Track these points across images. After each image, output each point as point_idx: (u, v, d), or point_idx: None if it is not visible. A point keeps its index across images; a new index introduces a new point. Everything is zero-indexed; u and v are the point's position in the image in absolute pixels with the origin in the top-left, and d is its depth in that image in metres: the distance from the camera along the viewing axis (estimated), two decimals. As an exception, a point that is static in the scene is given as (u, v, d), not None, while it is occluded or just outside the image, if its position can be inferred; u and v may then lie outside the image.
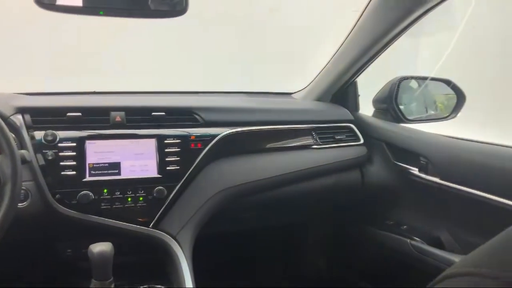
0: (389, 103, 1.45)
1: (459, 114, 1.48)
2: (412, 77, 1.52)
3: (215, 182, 1.21)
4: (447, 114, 1.50)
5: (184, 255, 1.09)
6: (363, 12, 1.26)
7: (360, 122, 1.49)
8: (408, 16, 1.12)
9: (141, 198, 1.10)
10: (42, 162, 1.03)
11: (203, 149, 1.19)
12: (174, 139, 1.16)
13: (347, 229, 1.58)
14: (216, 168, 1.22)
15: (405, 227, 1.34)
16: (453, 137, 1.27)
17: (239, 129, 1.27)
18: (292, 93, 1.69)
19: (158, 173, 1.12)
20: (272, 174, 1.30)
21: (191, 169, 1.16)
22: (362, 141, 1.46)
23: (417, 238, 1.27)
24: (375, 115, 1.55)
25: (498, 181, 1.05)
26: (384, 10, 1.17)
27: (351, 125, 1.47)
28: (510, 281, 0.29)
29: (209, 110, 1.26)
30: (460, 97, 1.47)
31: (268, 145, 1.33)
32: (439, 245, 1.22)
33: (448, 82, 1.48)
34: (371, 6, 1.21)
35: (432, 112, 1.62)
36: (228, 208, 1.26)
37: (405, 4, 1.08)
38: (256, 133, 1.31)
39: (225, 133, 1.24)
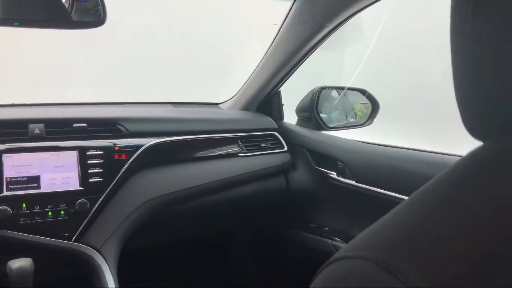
0: (311, 111, 1.53)
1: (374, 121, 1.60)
2: (331, 87, 1.61)
3: (140, 193, 1.21)
4: (364, 121, 1.61)
5: (109, 268, 1.08)
6: (281, 26, 1.33)
7: (284, 130, 1.56)
8: (321, 30, 1.20)
9: (62, 212, 1.08)
10: None
11: (128, 160, 1.19)
12: (96, 151, 1.15)
13: (274, 234, 1.63)
14: (141, 178, 1.23)
15: (326, 228, 1.41)
16: (366, 142, 1.37)
17: (165, 139, 1.28)
18: (219, 103, 1.73)
19: (80, 185, 1.11)
20: (199, 182, 1.33)
21: (115, 181, 1.15)
22: (286, 148, 1.52)
23: (337, 238, 1.35)
24: (298, 123, 1.63)
25: (402, 180, 1.16)
26: (298, 24, 1.25)
27: (275, 133, 1.53)
28: (375, 261, 0.32)
29: (133, 120, 1.26)
30: (375, 106, 1.58)
31: (195, 154, 1.35)
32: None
33: (363, 92, 1.59)
34: (288, 20, 1.28)
35: (352, 120, 1.73)
36: (155, 218, 1.26)
37: (317, 19, 1.16)
38: (182, 142, 1.33)
39: (150, 143, 1.25)
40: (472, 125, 0.43)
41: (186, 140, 1.33)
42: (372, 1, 1.07)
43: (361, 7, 1.11)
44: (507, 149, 0.37)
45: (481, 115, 0.41)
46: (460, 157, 0.39)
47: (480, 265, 0.30)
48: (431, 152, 1.19)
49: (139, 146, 1.22)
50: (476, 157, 0.38)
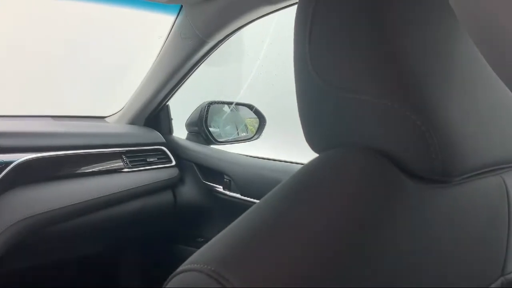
0: (200, 126, 1.54)
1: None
2: (219, 102, 1.64)
3: (10, 213, 1.11)
4: (252, 136, 1.66)
5: None
6: (165, 40, 1.32)
7: (172, 144, 1.55)
8: (203, 46, 1.22)
9: None
10: None
11: (-5, 177, 1.09)
12: (-43, 168, 1.04)
13: (162, 251, 1.60)
14: (12, 197, 1.13)
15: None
16: (251, 156, 1.41)
17: (40, 154, 1.20)
18: (106, 117, 1.67)
19: None
20: (79, 200, 1.26)
21: (-21, 201, 1.05)
22: (174, 162, 1.51)
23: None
24: (188, 137, 1.63)
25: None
26: (181, 40, 1.25)
27: (163, 147, 1.51)
28: (208, 272, 0.34)
29: (2, 134, 1.16)
30: (262, 120, 1.63)
31: (76, 171, 1.28)
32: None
33: (250, 107, 1.64)
34: (171, 35, 1.28)
35: (244, 134, 1.77)
36: (30, 240, 1.17)
37: (198, 35, 1.18)
38: (60, 158, 1.25)
39: (22, 159, 1.16)
40: (311, 140, 0.48)
41: (65, 155, 1.26)
42: (250, 20, 1.12)
43: (241, 25, 1.15)
44: (335, 159, 0.41)
45: (317, 132, 0.46)
46: (297, 164, 0.44)
47: (318, 266, 0.33)
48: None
49: (8, 163, 1.12)
50: (313, 165, 0.42)
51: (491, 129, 0.46)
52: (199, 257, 0.36)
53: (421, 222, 0.39)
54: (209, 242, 0.38)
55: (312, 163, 0.43)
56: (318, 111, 0.45)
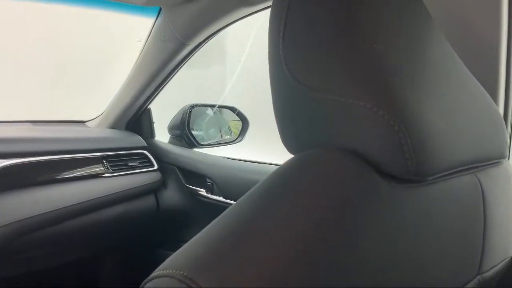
0: (182, 129, 1.52)
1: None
2: (201, 105, 1.63)
3: None
4: (235, 138, 1.65)
5: None
6: (145, 43, 1.31)
7: (154, 148, 1.53)
8: (183, 48, 1.21)
9: None
10: None
11: (-31, 185, 1.06)
12: None
13: (145, 256, 1.58)
14: None
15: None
16: (232, 159, 1.41)
17: (19, 160, 1.18)
18: (86, 121, 1.64)
19: None
20: (59, 206, 1.23)
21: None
22: (156, 167, 1.49)
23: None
24: (171, 141, 1.61)
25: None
26: (161, 42, 1.24)
27: (145, 151, 1.50)
28: (180, 278, 0.33)
29: None
30: (245, 122, 1.63)
31: (55, 176, 1.26)
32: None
33: (233, 109, 1.63)
34: (151, 38, 1.27)
35: (228, 137, 1.76)
36: (7, 249, 1.14)
37: (177, 37, 1.17)
38: (40, 164, 1.23)
39: (0, 165, 1.13)
40: (286, 141, 0.47)
41: (44, 161, 1.24)
42: (229, 22, 1.11)
43: (220, 27, 1.14)
44: (309, 160, 0.41)
45: (293, 133, 0.45)
46: (278, 166, 0.43)
47: (290, 269, 0.33)
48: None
49: None
50: (286, 167, 0.42)
51: (465, 128, 0.46)
52: (171, 263, 0.36)
53: (395, 222, 0.39)
54: (182, 247, 0.38)
55: (286, 165, 0.43)
56: (293, 112, 0.45)
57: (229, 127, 1.77)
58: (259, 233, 0.35)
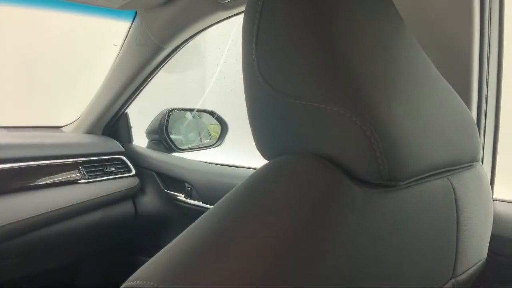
0: (160, 134, 1.51)
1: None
2: (180, 109, 1.62)
3: None
4: (214, 143, 1.64)
5: None
6: (121, 47, 1.29)
7: (132, 153, 1.51)
8: (159, 52, 1.20)
9: None
10: None
11: None
12: None
13: (122, 263, 1.56)
14: None
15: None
16: (211, 163, 1.40)
17: None
18: (62, 127, 1.61)
19: None
20: (34, 213, 1.20)
21: None
22: (134, 172, 1.47)
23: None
24: (149, 146, 1.59)
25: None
26: (137, 46, 1.23)
27: (122, 156, 1.47)
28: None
29: None
30: (224, 126, 1.62)
31: (29, 183, 1.23)
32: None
33: (212, 113, 1.62)
34: (127, 42, 1.25)
35: (207, 141, 1.75)
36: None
37: (154, 41, 1.16)
38: (14, 170, 1.19)
39: None
40: (261, 147, 0.47)
41: (19, 167, 1.20)
42: (206, 26, 1.11)
43: (197, 31, 1.13)
44: (281, 166, 0.41)
45: (266, 139, 0.45)
46: (255, 170, 0.43)
47: (262, 278, 0.32)
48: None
49: None
50: (259, 173, 0.42)
51: (437, 132, 0.47)
52: (142, 273, 0.36)
53: (367, 227, 0.39)
54: (153, 257, 0.38)
55: (259, 171, 0.42)
56: (267, 117, 0.45)
57: (208, 131, 1.76)
58: (230, 243, 0.34)
